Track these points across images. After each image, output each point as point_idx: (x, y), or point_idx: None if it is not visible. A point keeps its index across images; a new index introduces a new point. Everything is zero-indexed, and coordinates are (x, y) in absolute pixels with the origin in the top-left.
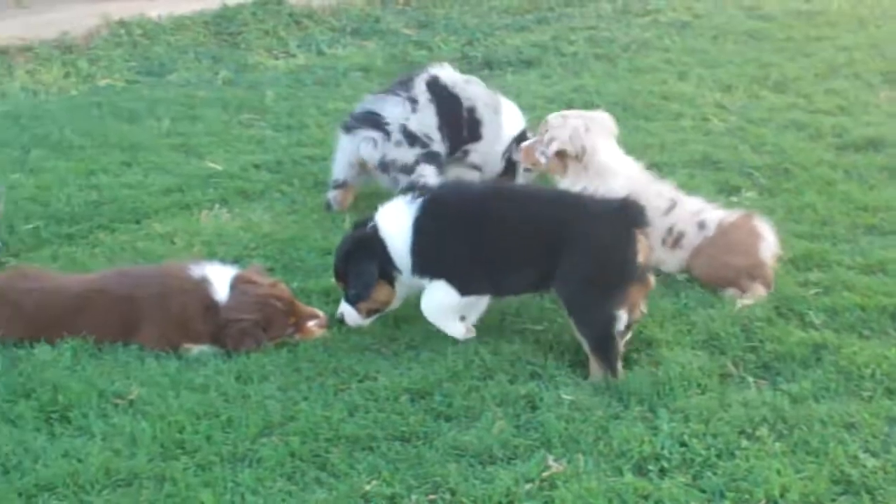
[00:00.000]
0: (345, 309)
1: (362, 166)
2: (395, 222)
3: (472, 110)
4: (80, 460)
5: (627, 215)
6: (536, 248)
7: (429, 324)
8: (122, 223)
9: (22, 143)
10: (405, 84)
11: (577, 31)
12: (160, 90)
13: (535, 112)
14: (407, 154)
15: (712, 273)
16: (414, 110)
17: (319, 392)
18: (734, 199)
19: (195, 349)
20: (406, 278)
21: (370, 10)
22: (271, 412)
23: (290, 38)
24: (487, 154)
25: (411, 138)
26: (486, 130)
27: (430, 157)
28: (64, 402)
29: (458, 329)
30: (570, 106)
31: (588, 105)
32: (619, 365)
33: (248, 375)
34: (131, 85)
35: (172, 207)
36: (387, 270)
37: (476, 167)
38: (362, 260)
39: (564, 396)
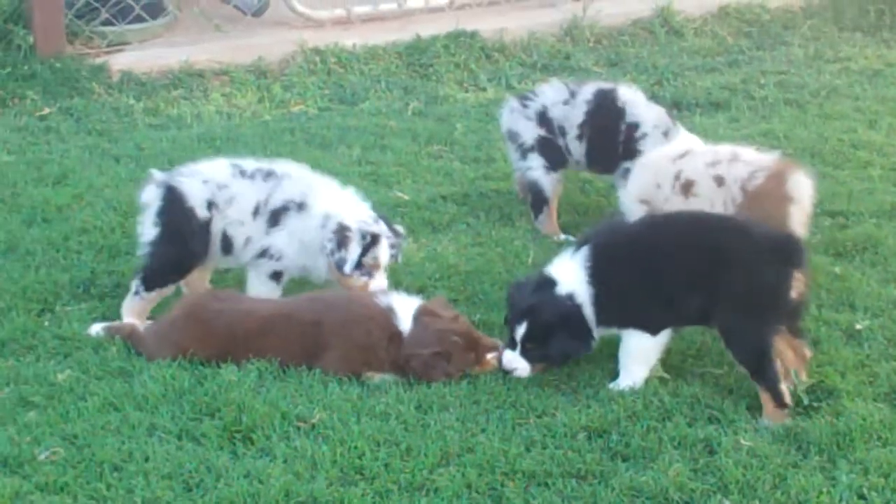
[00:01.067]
0: (517, 363)
1: None
2: (572, 279)
3: (633, 127)
4: (261, 481)
5: (788, 253)
6: (704, 275)
7: (608, 361)
8: None
9: None
10: (581, 82)
11: (767, 75)
12: (352, 118)
13: None
14: (530, 132)
15: None
16: (566, 102)
17: (498, 425)
18: None
19: (377, 377)
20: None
21: (561, 47)
22: (450, 442)
23: (481, 71)
24: None
25: (543, 120)
26: (646, 150)
27: (548, 148)
28: (248, 423)
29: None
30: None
31: (776, 150)
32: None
33: (427, 405)
34: (324, 112)
35: None
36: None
37: None
38: (571, 335)
39: (743, 442)
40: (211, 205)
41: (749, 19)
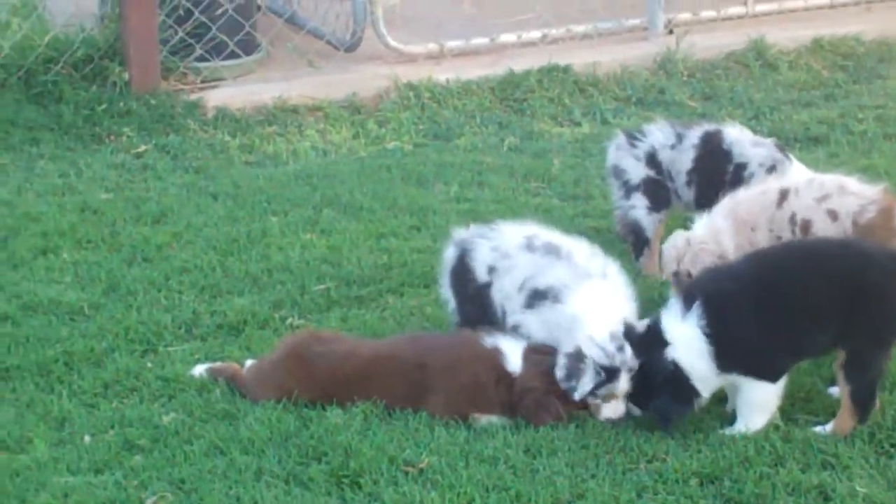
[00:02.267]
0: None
1: None
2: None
3: (740, 167)
4: None
5: None
6: (828, 307)
7: (716, 405)
8: (411, 287)
9: (314, 203)
10: (688, 125)
11: (865, 110)
12: (447, 154)
13: None
14: (637, 171)
15: None
16: (673, 146)
17: (608, 470)
18: None
19: (483, 419)
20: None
21: (655, 81)
22: (560, 489)
23: (575, 105)
24: None
25: (651, 161)
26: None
27: (655, 189)
28: (355, 468)
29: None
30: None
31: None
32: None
33: (536, 449)
34: (419, 148)
35: None
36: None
37: None
38: (675, 398)
39: (859, 489)
40: (492, 270)
41: (844, 52)
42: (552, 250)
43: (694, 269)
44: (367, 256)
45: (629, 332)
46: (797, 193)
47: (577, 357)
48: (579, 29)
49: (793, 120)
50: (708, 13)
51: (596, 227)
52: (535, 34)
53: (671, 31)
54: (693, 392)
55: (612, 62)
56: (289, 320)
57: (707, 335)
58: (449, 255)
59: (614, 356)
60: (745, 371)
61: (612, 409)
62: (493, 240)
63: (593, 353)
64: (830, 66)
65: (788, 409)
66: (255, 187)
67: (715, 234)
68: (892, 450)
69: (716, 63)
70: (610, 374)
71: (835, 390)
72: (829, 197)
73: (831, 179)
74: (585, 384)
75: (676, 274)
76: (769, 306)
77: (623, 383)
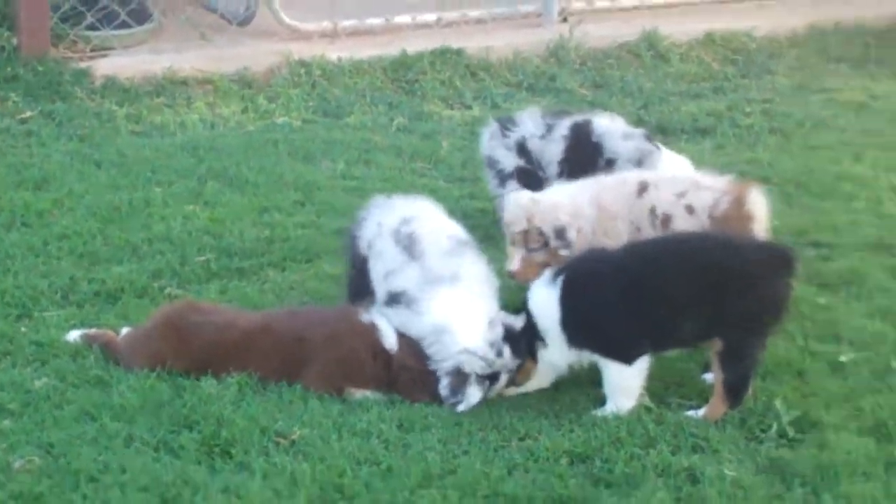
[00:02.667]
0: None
1: None
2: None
3: (611, 162)
4: (239, 497)
5: (787, 263)
6: (699, 297)
7: (591, 387)
8: (293, 262)
9: (198, 174)
10: (558, 114)
11: (752, 104)
12: (336, 132)
13: None
14: (509, 160)
15: None
16: (542, 136)
17: (480, 447)
18: None
19: (358, 394)
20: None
21: (546, 67)
22: (431, 464)
23: (466, 89)
24: None
25: (522, 150)
26: None
27: (528, 179)
28: (226, 437)
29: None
30: (742, 178)
31: (761, 179)
32: None
33: (409, 424)
34: (308, 124)
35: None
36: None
37: None
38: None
39: (727, 472)
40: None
41: (735, 47)
42: (409, 247)
43: (546, 227)
44: (250, 229)
45: (510, 334)
46: (657, 187)
47: (459, 375)
48: (474, 13)
49: (681, 111)
50: (602, 3)
51: (482, 209)
52: (430, 17)
53: (565, 19)
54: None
55: (506, 47)
56: (167, 290)
57: (562, 307)
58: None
59: (494, 363)
60: (595, 349)
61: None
62: (378, 215)
63: (475, 367)
64: (721, 60)
65: (662, 392)
66: (141, 157)
67: (576, 209)
68: (762, 435)
69: (608, 52)
70: (492, 379)
71: (709, 376)
72: (686, 192)
73: (685, 175)
74: (472, 397)
75: (526, 232)
76: (630, 293)
77: (502, 382)
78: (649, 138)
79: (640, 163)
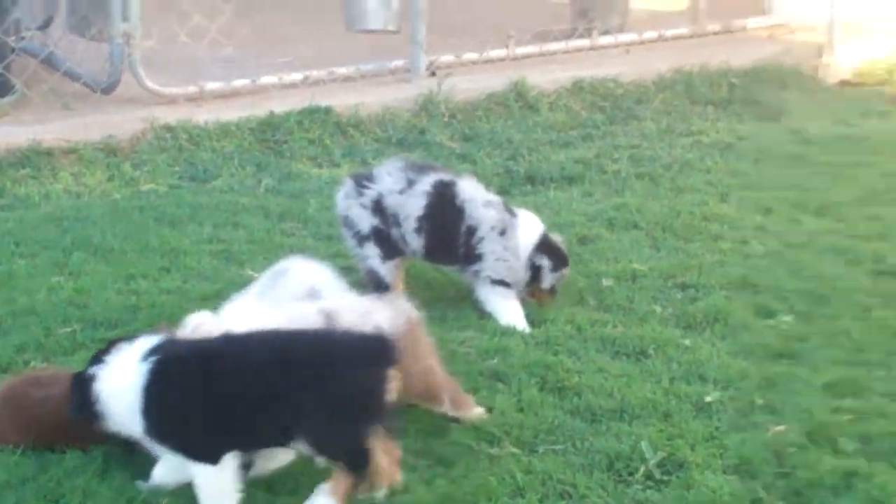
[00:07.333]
0: None
1: None
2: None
3: (472, 230)
4: None
5: (378, 352)
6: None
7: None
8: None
9: (63, 245)
10: (422, 168)
11: (620, 150)
12: (203, 196)
13: (574, 229)
14: (364, 221)
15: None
16: (402, 191)
17: None
18: (771, 322)
19: None
20: None
21: (416, 122)
22: None
23: (335, 147)
24: (508, 270)
25: (377, 208)
26: (487, 252)
27: (384, 239)
28: None
29: None
30: (610, 223)
31: (629, 224)
32: None
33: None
34: (174, 190)
35: None
36: None
37: (499, 283)
38: None
39: None
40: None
41: (602, 94)
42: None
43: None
44: (115, 298)
45: None
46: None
47: None
48: (342, 70)
49: (550, 160)
50: (470, 55)
51: (350, 267)
52: (297, 76)
53: (433, 73)
54: None
55: (375, 103)
56: (32, 363)
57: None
58: None
59: None
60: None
61: None
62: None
63: None
64: (589, 107)
65: (531, 440)
66: (4, 230)
67: None
68: (630, 478)
69: (477, 104)
70: None
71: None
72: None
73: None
74: None
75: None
76: (206, 387)
77: None
78: (508, 208)
79: (503, 233)
